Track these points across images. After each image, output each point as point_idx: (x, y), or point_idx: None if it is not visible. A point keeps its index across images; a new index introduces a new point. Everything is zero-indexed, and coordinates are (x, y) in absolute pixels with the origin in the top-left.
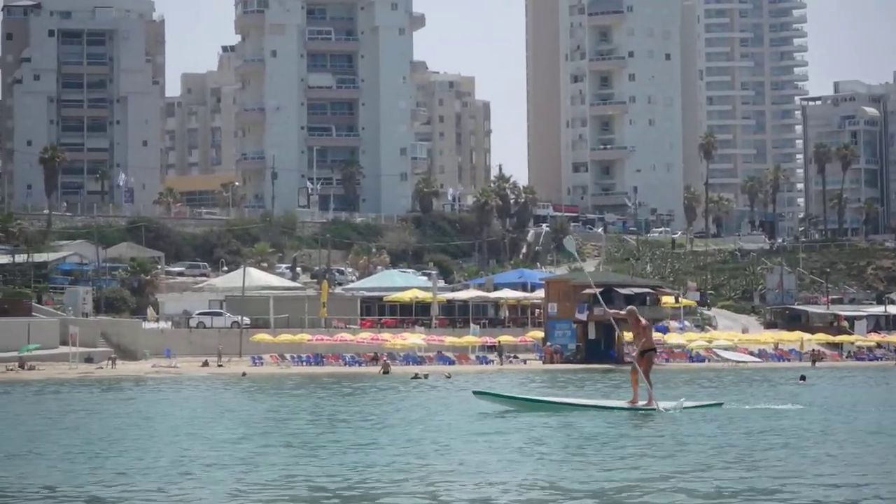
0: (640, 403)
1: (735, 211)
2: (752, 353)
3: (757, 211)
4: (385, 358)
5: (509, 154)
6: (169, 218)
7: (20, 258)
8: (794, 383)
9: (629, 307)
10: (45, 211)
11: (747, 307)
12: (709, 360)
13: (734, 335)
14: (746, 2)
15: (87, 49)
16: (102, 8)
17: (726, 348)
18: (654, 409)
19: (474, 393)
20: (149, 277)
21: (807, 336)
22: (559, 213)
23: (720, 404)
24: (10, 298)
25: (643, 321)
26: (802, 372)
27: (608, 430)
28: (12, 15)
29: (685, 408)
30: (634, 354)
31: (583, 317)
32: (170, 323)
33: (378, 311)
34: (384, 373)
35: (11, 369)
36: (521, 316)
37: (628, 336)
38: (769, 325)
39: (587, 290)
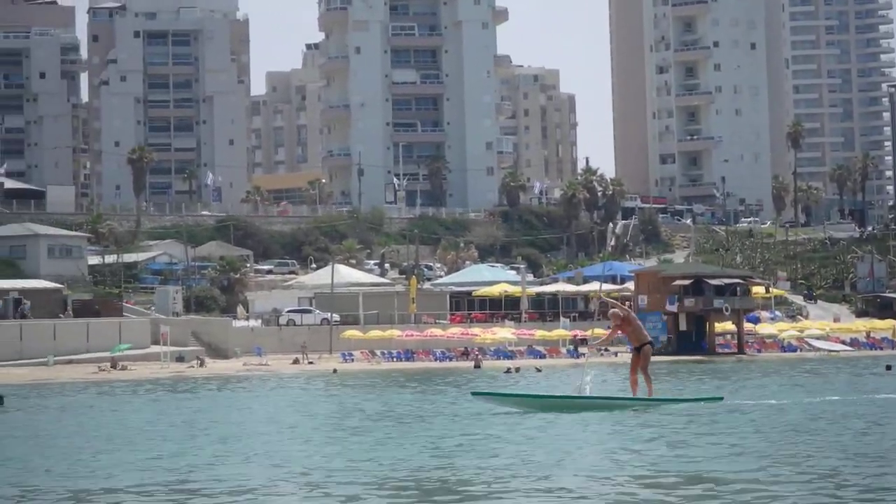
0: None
1: (824, 199)
2: (843, 342)
3: (846, 199)
4: (476, 353)
5: (596, 146)
6: (257, 216)
7: (110, 259)
8: (881, 373)
9: (612, 310)
10: (134, 211)
11: (838, 296)
12: (801, 350)
13: (826, 324)
14: None
15: (172, 49)
16: (187, 8)
17: (818, 338)
18: (660, 400)
19: (473, 394)
20: (238, 276)
21: None
22: (647, 205)
23: (720, 398)
24: (101, 299)
25: (621, 314)
26: (889, 362)
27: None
28: (98, 17)
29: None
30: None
31: (673, 308)
32: (259, 321)
33: (467, 306)
34: (476, 367)
35: (104, 369)
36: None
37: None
38: (860, 314)
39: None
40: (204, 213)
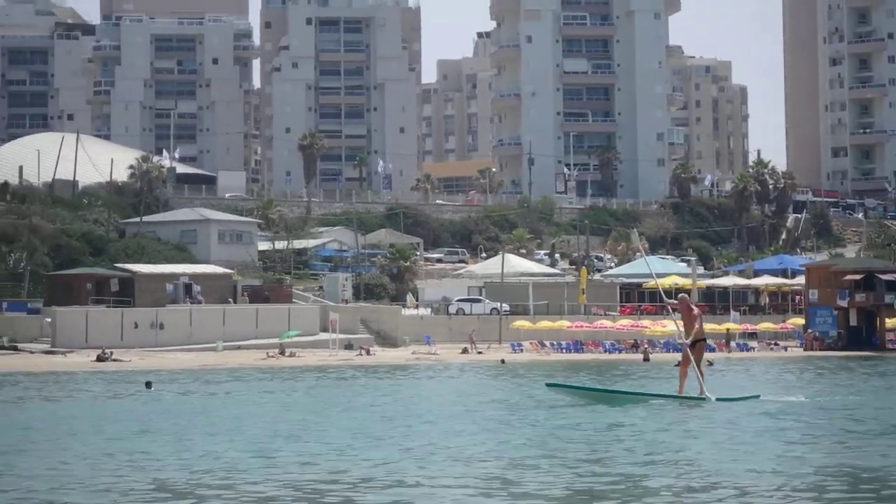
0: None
1: None
2: None
3: None
4: (645, 345)
5: (767, 139)
6: (427, 204)
7: (280, 245)
8: None
9: (681, 294)
10: (304, 198)
11: None
12: None
13: None
14: None
15: (344, 37)
16: None
17: None
18: (704, 399)
19: (548, 385)
20: (408, 264)
21: None
22: (818, 199)
23: (756, 396)
24: (270, 285)
25: (695, 310)
26: None
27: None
28: (271, 4)
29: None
30: (685, 343)
31: (844, 303)
32: (429, 309)
33: (637, 297)
34: (645, 360)
35: (272, 356)
36: (781, 303)
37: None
38: None
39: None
40: (374, 200)
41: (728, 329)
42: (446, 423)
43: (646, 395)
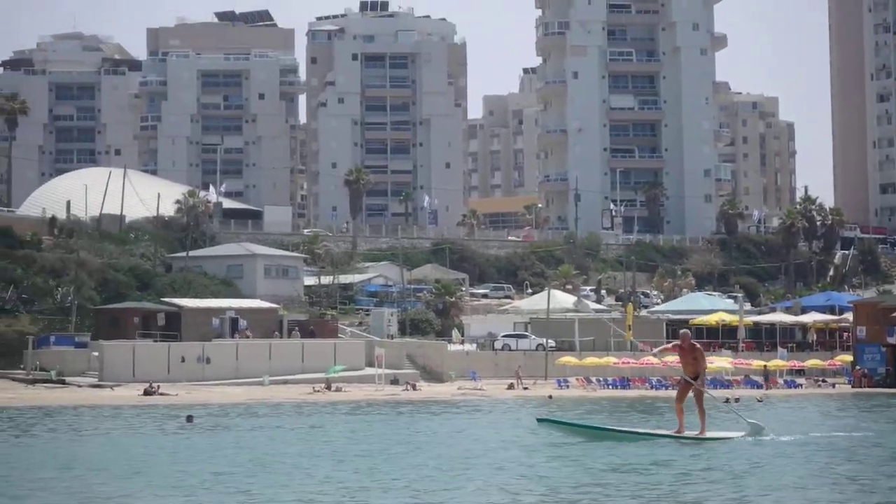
0: (691, 433)
1: None
2: None
3: None
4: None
5: (815, 175)
6: (473, 240)
7: (326, 280)
8: None
9: (682, 330)
10: (350, 233)
11: None
12: None
13: None
14: None
15: (389, 72)
16: (405, 31)
17: None
18: (705, 439)
19: (538, 420)
20: (453, 299)
21: None
22: (866, 235)
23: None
24: (316, 319)
25: (697, 346)
26: None
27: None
28: (316, 39)
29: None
30: (679, 380)
31: (893, 340)
32: (475, 345)
33: None
34: None
35: (318, 390)
36: (829, 339)
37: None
38: None
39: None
40: (420, 236)
41: (765, 366)
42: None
43: (639, 433)
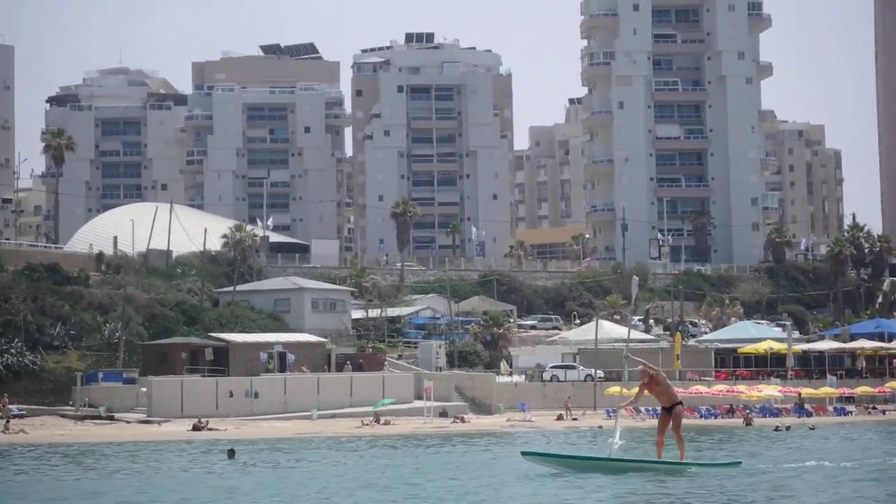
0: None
1: None
2: None
3: None
4: (747, 411)
5: (862, 202)
6: (521, 271)
7: (373, 313)
8: None
9: (640, 368)
10: (398, 265)
11: None
12: None
13: None
14: None
15: (435, 104)
16: (450, 63)
17: None
18: (686, 464)
19: (523, 454)
20: (501, 331)
21: None
22: None
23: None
24: (364, 353)
25: (661, 375)
26: None
27: None
28: (362, 72)
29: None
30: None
31: None
32: (523, 376)
33: (732, 362)
34: (747, 424)
35: (367, 424)
36: (878, 366)
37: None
38: None
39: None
40: (467, 267)
41: (799, 394)
42: None
43: (624, 461)
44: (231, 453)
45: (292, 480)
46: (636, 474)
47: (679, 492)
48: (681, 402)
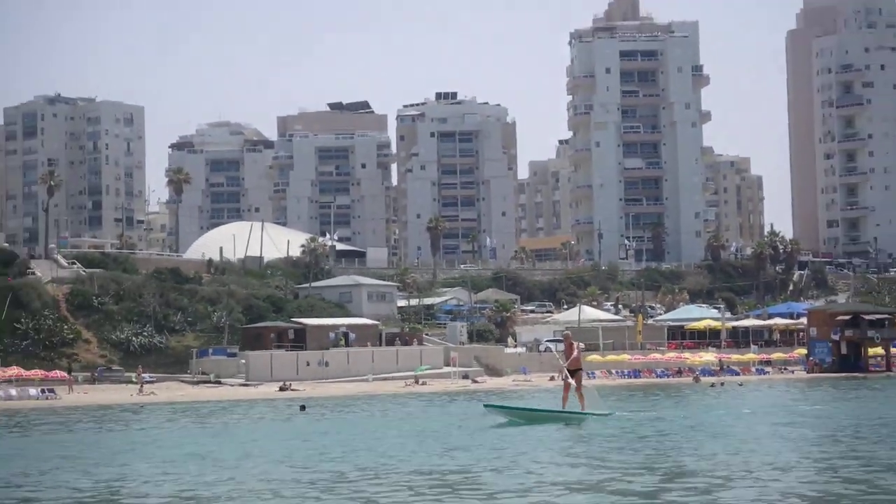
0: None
1: None
2: None
3: None
4: (697, 373)
5: (778, 215)
6: (523, 269)
7: (413, 302)
8: None
9: (565, 332)
10: (431, 266)
11: None
12: None
13: None
14: None
15: (459, 145)
16: (470, 114)
17: None
18: (609, 414)
19: (485, 406)
20: (509, 314)
21: None
22: (817, 259)
23: (610, 413)
24: (407, 332)
25: (576, 345)
26: None
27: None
28: (404, 121)
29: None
30: (565, 371)
31: (836, 337)
32: (524, 348)
33: (681, 336)
34: (695, 381)
35: (409, 384)
36: (789, 338)
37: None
38: None
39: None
40: (483, 267)
41: (720, 359)
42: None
43: (565, 413)
44: (302, 408)
45: (344, 425)
46: (566, 423)
47: (586, 433)
48: (581, 369)
